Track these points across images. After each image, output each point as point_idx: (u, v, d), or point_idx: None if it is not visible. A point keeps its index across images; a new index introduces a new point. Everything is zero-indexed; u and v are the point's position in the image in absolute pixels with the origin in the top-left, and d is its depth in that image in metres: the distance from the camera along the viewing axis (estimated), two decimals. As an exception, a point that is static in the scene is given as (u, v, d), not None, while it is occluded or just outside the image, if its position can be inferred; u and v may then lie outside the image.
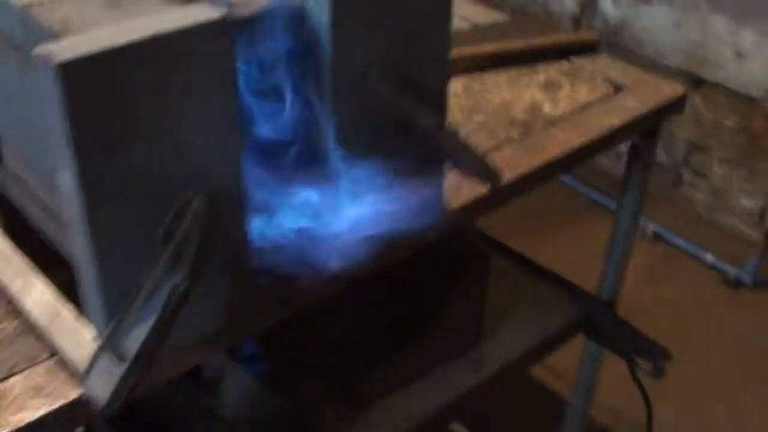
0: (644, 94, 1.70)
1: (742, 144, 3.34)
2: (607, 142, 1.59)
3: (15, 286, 1.11)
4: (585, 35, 1.89)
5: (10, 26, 1.05)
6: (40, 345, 1.06)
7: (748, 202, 3.40)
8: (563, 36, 1.84)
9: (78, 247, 0.93)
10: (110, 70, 0.84)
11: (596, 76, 1.75)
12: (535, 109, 1.62)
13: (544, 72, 1.76)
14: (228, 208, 1.00)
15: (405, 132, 1.13)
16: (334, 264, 1.15)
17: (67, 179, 0.88)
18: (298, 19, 1.03)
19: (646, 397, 1.97)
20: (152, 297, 0.95)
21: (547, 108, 1.63)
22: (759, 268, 3.18)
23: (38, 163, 1.14)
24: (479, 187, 1.33)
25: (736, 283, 3.19)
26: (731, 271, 3.20)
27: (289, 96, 1.06)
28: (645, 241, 3.38)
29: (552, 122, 1.58)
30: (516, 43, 1.76)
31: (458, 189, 1.33)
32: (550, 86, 1.70)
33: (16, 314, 1.10)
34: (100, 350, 0.94)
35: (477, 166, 1.19)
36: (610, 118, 1.61)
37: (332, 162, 1.10)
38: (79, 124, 0.84)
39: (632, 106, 1.66)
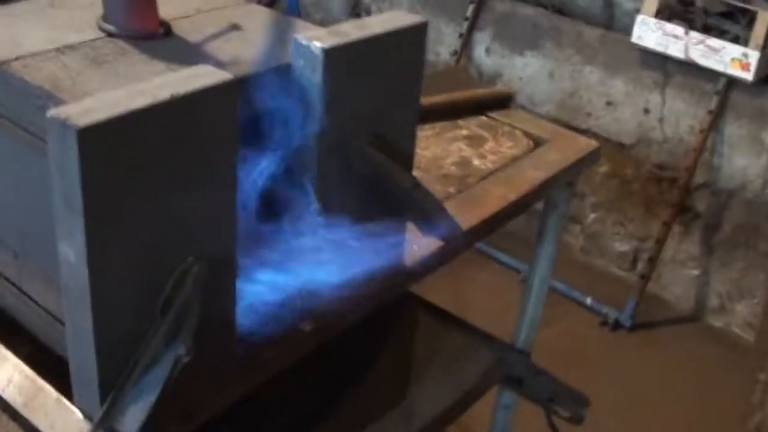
0: (563, 148, 1.77)
1: (614, 189, 3.51)
2: (537, 195, 1.65)
3: (-22, 362, 1.05)
4: (501, 90, 1.95)
5: (-19, 85, 1.01)
6: (16, 427, 1.00)
7: (621, 246, 3.57)
8: (481, 91, 1.90)
9: (75, 318, 0.90)
10: (127, 134, 0.83)
11: (515, 130, 1.81)
12: (465, 164, 1.66)
13: (466, 127, 1.80)
14: (223, 274, 0.98)
15: (377, 190, 1.15)
16: (308, 326, 1.15)
17: (69, 249, 0.85)
18: (287, 79, 1.03)
19: (560, 444, 2.02)
20: (151, 369, 0.93)
21: (476, 162, 1.67)
22: (636, 310, 3.33)
23: (4, 232, 1.09)
24: (431, 244, 1.35)
25: (615, 325, 3.33)
26: (611, 313, 3.33)
27: (271, 155, 1.06)
28: (523, 285, 3.47)
29: (484, 177, 1.63)
30: (438, 98, 1.80)
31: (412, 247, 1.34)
32: (475, 141, 1.75)
33: (-17, 395, 1.04)
34: (96, 430, 0.91)
35: (444, 222, 1.22)
36: (537, 172, 1.67)
37: (311, 219, 1.11)
38: (92, 191, 0.82)
39: (555, 159, 1.73)
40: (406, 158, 1.17)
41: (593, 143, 1.81)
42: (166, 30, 1.09)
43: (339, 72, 1.01)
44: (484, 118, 1.85)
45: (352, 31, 1.04)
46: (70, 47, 1.03)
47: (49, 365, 1.06)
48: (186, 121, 0.86)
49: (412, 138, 1.17)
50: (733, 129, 3.15)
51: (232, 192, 0.95)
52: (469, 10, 3.66)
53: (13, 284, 1.11)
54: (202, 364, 0.99)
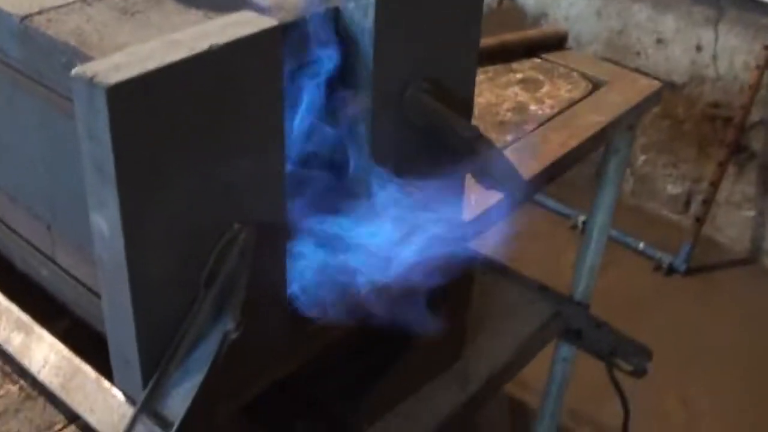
0: (625, 90, 1.66)
1: (665, 130, 3.37)
2: (598, 140, 1.54)
3: (14, 343, 0.97)
4: (555, 30, 1.83)
5: (5, 43, 0.92)
6: (54, 410, 0.92)
7: (673, 188, 3.44)
8: (534, 32, 1.79)
9: (112, 294, 0.81)
10: (162, 91, 0.73)
11: (572, 72, 1.70)
12: (522, 109, 1.56)
13: (521, 70, 1.69)
14: (272, 239, 0.89)
15: (437, 144, 1.05)
16: (367, 291, 1.06)
17: (102, 220, 0.76)
18: (337, 25, 0.93)
19: (623, 398, 1.93)
20: (197, 347, 0.84)
21: (533, 107, 1.57)
22: (690, 254, 3.22)
23: (35, 201, 1.01)
24: (491, 197, 1.25)
25: (670, 270, 3.21)
26: (665, 258, 3.22)
27: (320, 108, 0.96)
28: (576, 232, 3.37)
29: (542, 123, 1.52)
30: (490, 41, 1.68)
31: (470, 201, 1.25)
32: (530, 84, 1.64)
33: (19, 375, 0.96)
34: (138, 414, 0.83)
35: (509, 175, 1.12)
36: (598, 116, 1.56)
37: (366, 180, 1.01)
38: (125, 157, 0.73)
39: (616, 101, 1.62)
40: (465, 106, 1.07)
41: (656, 83, 1.70)
42: (201, -26, 0.98)
43: (393, 14, 0.91)
44: (538, 60, 1.74)
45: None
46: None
47: (88, 342, 0.98)
48: (227, 74, 0.77)
49: (471, 84, 1.07)
50: (791, 64, 2.99)
51: (279, 151, 0.86)
52: (511, -52, 3.51)
53: (48, 257, 1.03)
54: (251, 337, 0.90)
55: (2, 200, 1.06)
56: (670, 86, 3.26)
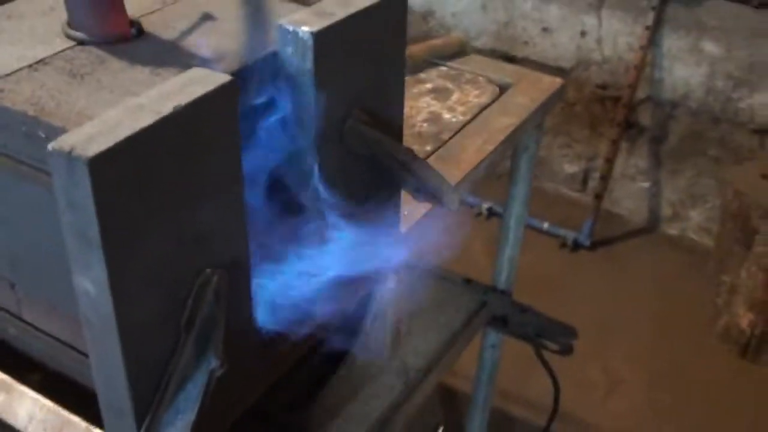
0: (529, 90, 1.75)
1: (558, 114, 3.50)
2: (510, 141, 1.63)
3: (-5, 400, 1.00)
4: (454, 38, 1.91)
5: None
6: (45, 465, 0.96)
7: (570, 168, 3.57)
8: (437, 41, 1.86)
9: (101, 349, 0.85)
10: (135, 155, 0.77)
11: (478, 77, 1.78)
12: (436, 119, 1.63)
13: (429, 80, 1.77)
14: (239, 278, 0.94)
15: (374, 166, 1.11)
16: (324, 311, 1.12)
17: (87, 282, 0.80)
18: (277, 68, 0.98)
19: (553, 376, 2.04)
20: (184, 387, 0.89)
21: (447, 116, 1.64)
22: (593, 229, 3.36)
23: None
24: (422, 210, 1.33)
25: (575, 246, 3.35)
26: (569, 235, 3.35)
27: (268, 147, 1.01)
28: (480, 219, 3.48)
29: (457, 130, 1.59)
30: (398, 53, 1.75)
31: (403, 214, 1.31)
32: (440, 93, 1.71)
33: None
34: (135, 456, 0.87)
35: (442, 188, 1.19)
36: (508, 118, 1.64)
37: (316, 207, 1.07)
38: (107, 222, 0.77)
39: (523, 102, 1.70)
40: (398, 129, 1.13)
41: (558, 81, 1.79)
42: (137, 30, 1.02)
43: (328, 54, 0.97)
44: (443, 68, 1.81)
45: (336, 9, 0.98)
46: (42, 62, 0.97)
47: (64, 391, 1.01)
48: (190, 130, 0.81)
49: (401, 108, 1.13)
50: (671, 42, 3.15)
51: (240, 195, 0.91)
52: (394, -50, 3.58)
53: (14, 315, 1.05)
54: (229, 370, 0.95)
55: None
56: (559, 71, 3.39)
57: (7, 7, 1.10)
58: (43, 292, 1.01)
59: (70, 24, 1.02)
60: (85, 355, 1.01)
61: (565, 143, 3.54)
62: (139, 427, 0.87)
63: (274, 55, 0.98)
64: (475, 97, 1.70)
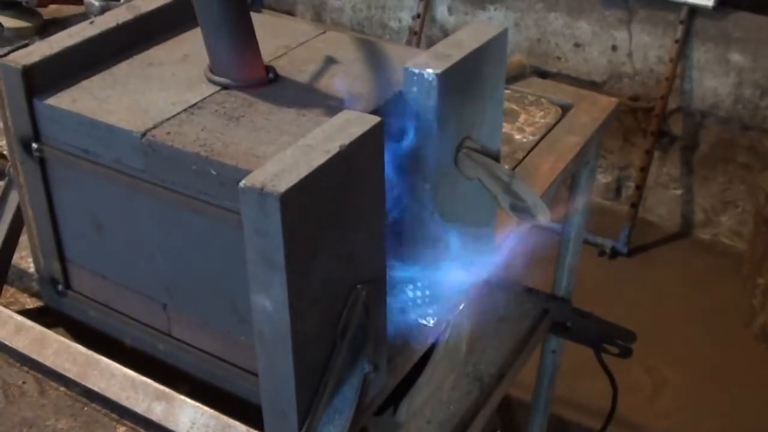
0: (590, 109, 1.86)
1: (591, 126, 3.61)
2: (580, 159, 1.74)
3: (156, 411, 1.11)
4: (515, 61, 2.02)
5: (124, 155, 1.06)
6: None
7: (604, 177, 3.69)
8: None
9: (272, 359, 0.97)
10: (313, 189, 0.89)
11: (540, 99, 1.90)
12: (509, 140, 1.74)
13: (496, 101, 1.88)
14: (379, 293, 1.06)
15: (480, 189, 1.23)
16: (438, 321, 1.23)
17: (266, 300, 0.92)
18: (401, 106, 1.10)
19: (611, 377, 2.15)
20: (340, 390, 1.00)
21: (518, 137, 1.75)
22: (630, 237, 3.47)
23: (151, 286, 1.15)
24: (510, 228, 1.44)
25: (613, 254, 3.46)
26: (607, 243, 3.46)
27: (393, 174, 1.13)
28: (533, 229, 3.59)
29: (529, 150, 1.71)
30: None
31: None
32: (508, 115, 1.83)
33: (167, 441, 1.09)
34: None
35: (538, 206, 1.30)
36: (575, 137, 1.76)
37: (432, 228, 1.18)
38: (290, 248, 0.88)
39: (585, 121, 1.82)
40: (497, 152, 1.25)
41: (613, 100, 1.91)
42: (273, 74, 1.14)
43: (448, 92, 1.08)
44: (507, 90, 1.92)
45: (452, 51, 1.10)
46: (197, 107, 1.08)
47: (213, 400, 1.12)
48: (350, 165, 0.93)
49: (500, 134, 1.25)
50: (700, 54, 3.26)
51: (383, 219, 1.03)
52: (428, -27, 3.71)
53: (164, 333, 1.17)
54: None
55: (111, 288, 1.20)
56: (591, 85, 3.51)
57: (146, 55, 1.22)
58: (196, 311, 1.12)
59: (213, 70, 1.14)
60: (234, 365, 1.13)
61: (599, 154, 3.65)
62: (300, 428, 0.99)
63: (400, 94, 1.09)
64: (541, 117, 1.82)
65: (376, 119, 0.96)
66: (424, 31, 3.81)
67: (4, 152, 1.40)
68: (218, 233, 1.02)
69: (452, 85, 1.10)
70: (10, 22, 2.17)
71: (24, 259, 1.36)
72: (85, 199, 1.16)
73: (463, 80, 1.13)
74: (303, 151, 0.92)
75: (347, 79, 1.15)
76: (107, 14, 1.26)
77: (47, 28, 2.22)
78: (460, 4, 3.71)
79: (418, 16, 3.79)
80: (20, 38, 2.15)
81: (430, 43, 3.81)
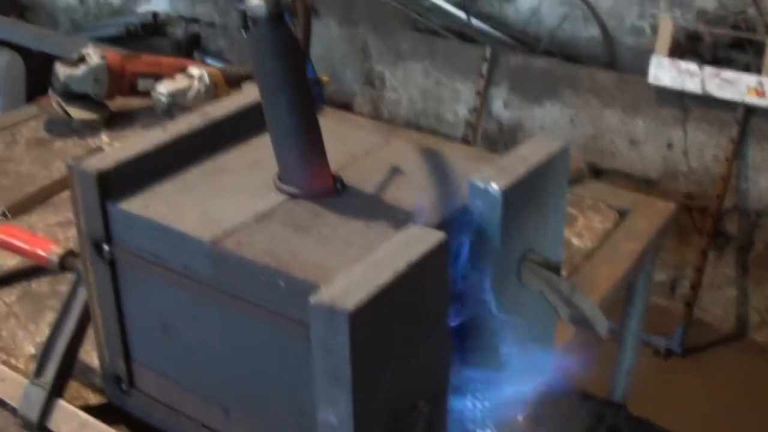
0: (647, 214, 1.87)
1: (645, 223, 3.61)
2: (638, 268, 1.74)
3: None
4: (575, 164, 2.05)
5: (193, 261, 1.09)
6: None
7: (658, 276, 3.66)
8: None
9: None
10: (380, 306, 0.91)
11: (598, 203, 1.91)
12: (567, 245, 1.75)
13: (553, 205, 1.90)
14: (440, 407, 1.06)
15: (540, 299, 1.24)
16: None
17: (332, 415, 0.93)
18: (465, 221, 1.12)
19: (669, 486, 2.10)
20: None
21: (576, 242, 1.77)
22: (684, 337, 3.43)
23: (214, 391, 1.16)
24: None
25: (668, 353, 3.42)
26: (661, 342, 3.43)
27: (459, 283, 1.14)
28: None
29: (587, 256, 1.72)
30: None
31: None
32: (567, 220, 1.84)
33: None
34: None
35: (596, 317, 1.31)
36: (632, 244, 1.76)
37: (494, 335, 1.19)
38: (357, 364, 0.90)
39: (643, 227, 1.83)
40: (558, 265, 1.26)
41: (671, 206, 1.91)
42: (341, 184, 1.17)
43: (512, 206, 1.10)
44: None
45: (517, 165, 1.12)
46: (265, 215, 1.11)
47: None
48: (416, 281, 0.95)
49: (561, 245, 1.26)
50: (755, 153, 3.26)
51: (448, 333, 1.04)
52: (484, 68, 3.77)
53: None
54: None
55: (175, 390, 1.22)
56: (646, 183, 3.52)
57: (216, 161, 1.26)
58: (258, 418, 1.13)
59: (282, 179, 1.17)
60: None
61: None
62: None
63: (465, 207, 1.11)
64: (599, 222, 1.83)
65: (441, 235, 0.98)
66: (480, 125, 3.86)
67: (74, 248, 1.45)
68: (283, 343, 1.04)
69: (516, 200, 1.12)
70: (78, 113, 2.24)
71: (89, 353, 1.39)
72: (152, 301, 1.19)
73: (527, 194, 1.15)
74: (371, 267, 0.94)
75: (412, 191, 1.17)
76: (179, 120, 1.31)
77: (114, 120, 2.30)
78: (516, 98, 3.76)
79: (475, 110, 3.85)
80: (88, 129, 2.23)
81: (486, 136, 3.86)
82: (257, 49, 1.10)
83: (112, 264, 1.21)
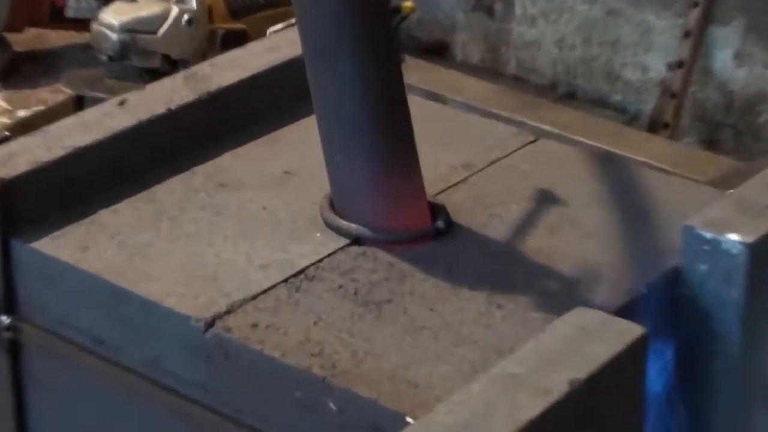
0: None
1: None
2: None
3: None
4: None
5: (168, 356, 1.10)
6: None
7: None
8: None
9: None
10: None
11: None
12: None
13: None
14: None
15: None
16: None
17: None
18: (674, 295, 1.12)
19: None
20: None
21: None
22: None
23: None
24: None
25: None
26: None
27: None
28: None
29: None
30: None
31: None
32: None
33: None
34: None
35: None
36: None
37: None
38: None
39: None
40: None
41: None
42: (443, 221, 1.16)
43: (763, 274, 1.10)
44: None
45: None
46: (306, 275, 1.11)
47: None
48: (589, 407, 0.96)
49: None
50: None
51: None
52: (700, -10, 3.74)
53: None
54: None
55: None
56: None
57: (214, 165, 1.26)
58: None
59: (338, 208, 1.16)
60: None
61: None
62: None
63: (674, 273, 1.12)
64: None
65: (638, 331, 0.99)
66: (688, 94, 3.83)
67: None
68: None
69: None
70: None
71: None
72: (76, 413, 1.21)
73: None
74: (503, 385, 0.94)
75: (575, 238, 1.18)
76: (152, 87, 1.31)
77: (19, 67, 2.30)
78: (758, 49, 3.73)
79: (679, 65, 3.81)
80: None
81: (701, 117, 3.83)
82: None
83: (12, 349, 1.22)
